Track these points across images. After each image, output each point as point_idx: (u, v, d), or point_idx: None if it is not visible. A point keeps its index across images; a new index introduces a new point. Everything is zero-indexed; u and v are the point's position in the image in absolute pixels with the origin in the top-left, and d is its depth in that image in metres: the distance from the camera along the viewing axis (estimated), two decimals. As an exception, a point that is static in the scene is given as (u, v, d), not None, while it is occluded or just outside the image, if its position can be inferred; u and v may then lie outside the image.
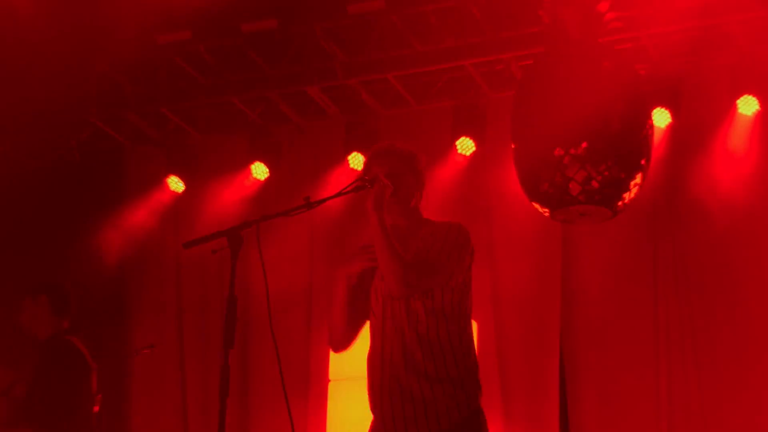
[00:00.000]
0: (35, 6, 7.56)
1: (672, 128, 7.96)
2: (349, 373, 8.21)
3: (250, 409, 8.83)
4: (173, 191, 9.20)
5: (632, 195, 5.71)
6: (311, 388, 8.59)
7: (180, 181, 9.16)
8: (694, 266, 8.03)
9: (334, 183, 8.61)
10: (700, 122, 8.05)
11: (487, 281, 8.31)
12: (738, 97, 7.82)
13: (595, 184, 5.55)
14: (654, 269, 8.12)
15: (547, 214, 5.85)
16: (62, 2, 7.79)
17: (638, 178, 5.69)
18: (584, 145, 5.55)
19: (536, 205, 5.84)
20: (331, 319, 4.27)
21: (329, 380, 8.60)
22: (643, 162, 5.71)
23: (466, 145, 8.46)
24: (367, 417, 4.23)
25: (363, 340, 4.33)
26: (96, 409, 6.21)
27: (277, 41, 8.43)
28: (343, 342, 4.28)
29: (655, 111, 7.69)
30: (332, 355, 8.33)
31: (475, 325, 6.94)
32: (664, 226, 8.16)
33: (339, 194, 4.20)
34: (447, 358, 4.09)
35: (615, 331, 8.13)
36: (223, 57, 8.68)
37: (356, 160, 8.55)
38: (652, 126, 5.84)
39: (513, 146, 5.92)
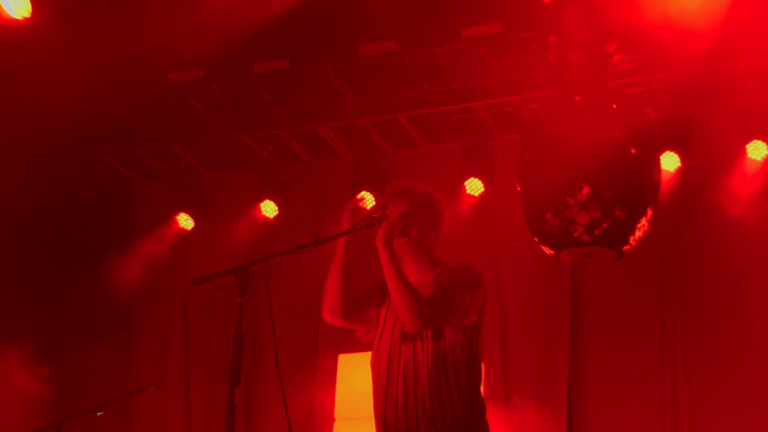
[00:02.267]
0: (49, 44, 7.62)
1: (681, 172, 7.97)
2: (354, 413, 8.16)
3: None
4: (183, 228, 9.22)
5: (638, 238, 5.72)
6: (315, 428, 8.55)
7: (189, 218, 9.19)
8: (701, 297, 8.05)
9: (342, 221, 8.61)
10: (709, 167, 8.06)
11: (495, 320, 8.31)
12: (747, 142, 7.84)
13: (601, 226, 5.56)
14: (661, 297, 8.14)
15: (553, 255, 5.86)
16: (76, 41, 7.86)
17: (645, 222, 5.70)
18: (590, 188, 5.57)
19: (543, 247, 5.85)
20: (326, 285, 4.28)
21: (335, 419, 8.56)
22: (650, 206, 5.72)
23: (474, 186, 8.48)
24: None
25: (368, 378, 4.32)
26: None
27: (289, 81, 8.50)
28: (335, 309, 4.25)
29: (664, 155, 7.71)
30: (338, 394, 8.29)
31: (483, 367, 6.98)
32: (672, 268, 8.17)
33: (348, 232, 4.22)
34: (454, 402, 4.07)
35: (622, 359, 8.14)
36: (234, 96, 8.74)
37: (372, 198, 8.56)
38: (659, 170, 5.86)
39: (519, 188, 5.94)
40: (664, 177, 6.40)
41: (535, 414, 8.09)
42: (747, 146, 7.85)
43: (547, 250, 5.82)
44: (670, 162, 7.86)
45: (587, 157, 5.61)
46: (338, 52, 8.23)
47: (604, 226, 5.53)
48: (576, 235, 5.57)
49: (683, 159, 7.91)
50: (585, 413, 8.23)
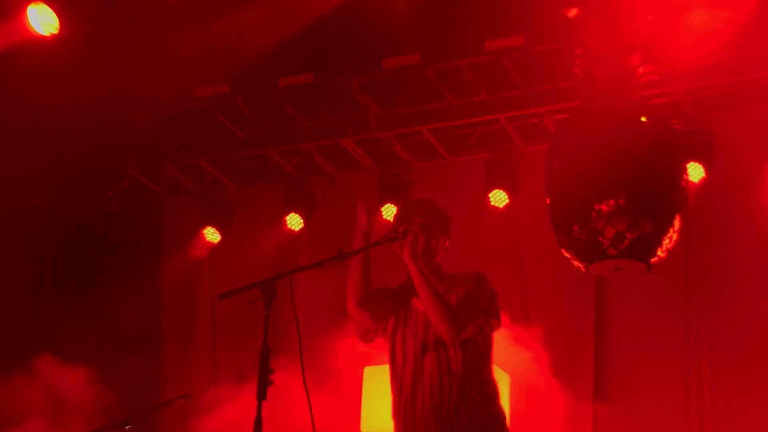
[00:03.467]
0: (76, 60, 7.70)
1: (705, 183, 7.95)
2: (380, 426, 8.11)
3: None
4: (209, 242, 9.28)
5: (667, 249, 5.70)
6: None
7: (216, 231, 9.24)
8: (725, 306, 8.04)
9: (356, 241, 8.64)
10: (733, 177, 8.04)
11: (522, 330, 8.31)
12: (772, 152, 7.82)
13: (628, 239, 5.54)
14: (686, 308, 8.14)
15: (582, 269, 5.85)
16: (103, 56, 7.94)
17: (673, 233, 5.69)
18: (617, 200, 5.56)
19: (571, 259, 5.84)
20: (349, 279, 4.30)
21: None
22: (677, 217, 5.70)
23: (499, 198, 8.48)
24: None
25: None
26: None
27: (313, 95, 8.54)
28: (357, 299, 4.27)
29: (688, 166, 7.69)
30: (363, 407, 8.28)
31: (507, 378, 6.98)
32: (696, 278, 8.16)
33: (372, 245, 4.25)
34: (480, 408, 4.10)
35: (647, 369, 8.13)
36: (259, 110, 8.80)
37: (389, 212, 8.59)
38: (687, 181, 5.85)
39: (547, 201, 5.94)
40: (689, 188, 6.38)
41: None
42: (772, 156, 7.82)
43: (577, 264, 5.81)
44: (694, 172, 7.84)
45: (614, 169, 5.60)
46: (362, 65, 8.27)
47: (631, 238, 5.52)
48: (604, 248, 5.55)
49: (707, 170, 7.89)
50: (610, 422, 8.21)
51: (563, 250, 5.87)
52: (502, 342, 4.47)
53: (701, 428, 7.90)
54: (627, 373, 8.25)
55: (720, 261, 8.07)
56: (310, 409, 4.02)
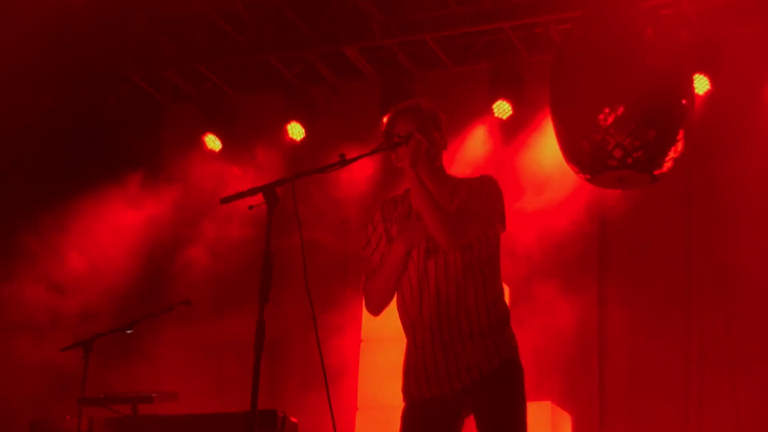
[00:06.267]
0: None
1: (710, 95, 7.88)
2: (377, 402, 8.01)
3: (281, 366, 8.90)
4: (211, 149, 9.24)
5: (671, 160, 5.68)
6: (344, 350, 8.59)
7: (217, 139, 9.20)
8: (728, 217, 8.06)
9: (369, 143, 8.59)
10: (739, 89, 7.98)
11: (519, 247, 8.31)
12: (778, 64, 7.75)
13: (630, 149, 5.52)
14: (688, 221, 8.17)
15: (586, 179, 5.84)
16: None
17: (676, 144, 5.67)
18: (620, 110, 5.53)
19: (575, 169, 5.83)
20: (382, 288, 4.20)
21: (357, 408, 8.50)
22: (681, 128, 5.68)
23: (503, 108, 8.43)
24: None
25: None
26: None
27: (316, 1, 8.43)
28: (384, 307, 4.27)
29: (694, 77, 7.63)
30: (360, 383, 8.22)
31: (507, 290, 7.00)
32: (699, 190, 8.15)
33: (374, 151, 4.21)
34: (480, 312, 4.10)
35: (648, 293, 8.17)
36: (261, 16, 8.69)
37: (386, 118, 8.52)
38: (692, 92, 5.81)
39: (551, 109, 5.91)
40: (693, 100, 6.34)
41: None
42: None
43: (581, 176, 5.80)
44: (699, 85, 7.77)
45: (619, 80, 5.56)
46: (366, -29, 8.16)
47: (634, 147, 5.50)
48: (608, 158, 5.54)
49: (713, 82, 7.82)
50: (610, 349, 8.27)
51: (566, 160, 5.86)
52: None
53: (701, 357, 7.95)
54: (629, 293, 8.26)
55: (723, 171, 8.04)
56: (313, 314, 4.03)
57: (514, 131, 8.56)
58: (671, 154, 5.62)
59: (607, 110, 5.50)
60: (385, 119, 4.34)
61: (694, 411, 7.95)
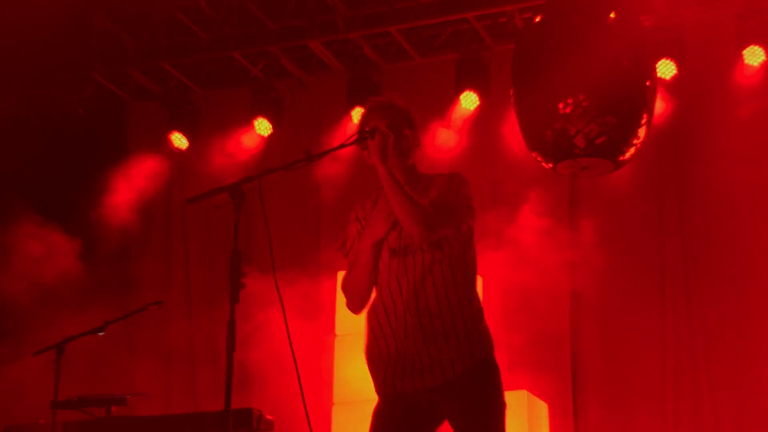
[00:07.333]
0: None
1: (677, 79, 7.90)
2: (353, 396, 7.96)
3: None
4: (177, 147, 9.17)
5: (634, 146, 5.67)
6: (315, 344, 8.56)
7: (183, 137, 9.13)
8: (699, 203, 8.11)
9: (336, 137, 8.59)
10: (705, 73, 8.00)
11: (492, 236, 8.31)
12: (744, 48, 7.76)
13: (596, 135, 5.51)
14: (659, 207, 8.23)
15: (550, 167, 5.82)
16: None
17: (641, 131, 5.65)
18: (585, 97, 5.51)
19: (539, 158, 5.80)
20: (356, 285, 4.19)
21: (333, 404, 8.46)
22: (645, 114, 5.66)
23: (470, 99, 8.41)
24: None
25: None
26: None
27: (279, -5, 8.39)
28: (364, 305, 4.25)
29: (660, 62, 7.63)
30: (336, 378, 8.19)
31: (480, 280, 6.99)
32: (669, 176, 8.18)
33: (340, 146, 4.17)
34: (454, 310, 4.07)
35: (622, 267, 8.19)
36: (224, 11, 8.63)
37: (359, 115, 8.50)
38: (654, 77, 5.80)
39: (513, 99, 5.88)
40: (659, 85, 6.34)
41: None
42: (744, 52, 7.77)
43: (544, 164, 5.78)
44: (666, 69, 7.78)
45: (580, 66, 5.54)
46: (328, -36, 8.12)
47: (595, 135, 5.48)
48: (570, 146, 5.52)
49: (679, 66, 7.83)
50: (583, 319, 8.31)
51: (529, 148, 5.84)
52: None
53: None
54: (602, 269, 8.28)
55: (692, 156, 8.10)
56: (284, 312, 3.99)
57: (481, 122, 8.54)
58: (634, 141, 5.61)
59: (567, 98, 5.47)
60: (356, 116, 4.31)
61: (671, 396, 7.97)
